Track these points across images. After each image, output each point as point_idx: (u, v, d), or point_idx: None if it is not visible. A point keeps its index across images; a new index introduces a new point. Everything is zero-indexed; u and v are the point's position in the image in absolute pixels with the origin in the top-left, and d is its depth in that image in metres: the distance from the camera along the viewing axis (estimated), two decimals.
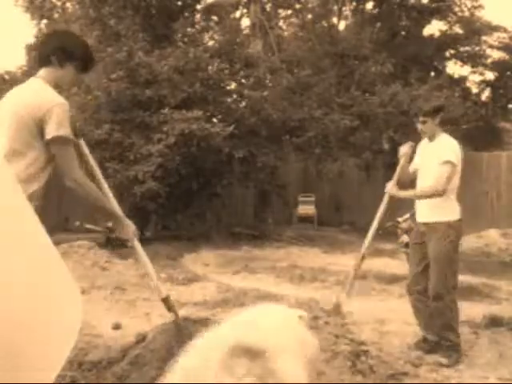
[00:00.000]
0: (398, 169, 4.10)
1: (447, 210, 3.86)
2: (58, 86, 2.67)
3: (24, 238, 1.37)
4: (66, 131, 2.50)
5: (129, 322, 4.52)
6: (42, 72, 2.65)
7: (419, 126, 4.03)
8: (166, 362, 2.72)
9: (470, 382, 3.17)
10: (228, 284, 6.46)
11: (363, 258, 3.88)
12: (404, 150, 4.14)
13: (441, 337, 3.79)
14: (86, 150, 2.91)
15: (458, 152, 3.89)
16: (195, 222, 11.14)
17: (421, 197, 3.92)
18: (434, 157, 3.88)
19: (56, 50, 2.63)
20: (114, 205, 2.86)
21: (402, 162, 4.11)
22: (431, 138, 4.03)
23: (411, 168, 4.15)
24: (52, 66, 2.64)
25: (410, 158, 4.16)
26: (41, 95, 2.54)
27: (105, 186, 2.90)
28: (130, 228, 2.84)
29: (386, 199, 3.97)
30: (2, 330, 1.21)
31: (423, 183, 3.95)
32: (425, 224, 3.92)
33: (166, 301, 2.93)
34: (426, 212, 3.93)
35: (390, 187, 3.97)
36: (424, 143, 4.14)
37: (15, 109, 2.54)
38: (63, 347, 1.43)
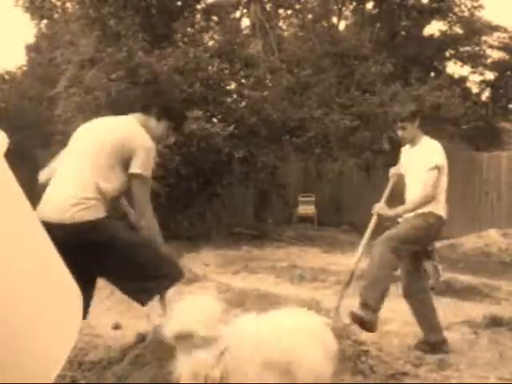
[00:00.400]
0: (387, 190, 4.02)
1: (431, 205, 3.81)
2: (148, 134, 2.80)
3: (24, 238, 1.37)
4: (149, 173, 2.72)
5: (129, 322, 4.52)
6: (138, 116, 2.82)
7: (399, 133, 3.95)
8: (166, 362, 2.72)
9: (470, 382, 3.17)
10: (228, 284, 6.45)
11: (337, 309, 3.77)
12: (394, 170, 4.09)
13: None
14: None
15: (442, 154, 3.85)
16: (195, 222, 11.13)
17: (413, 210, 3.80)
18: (420, 163, 3.82)
19: (158, 104, 2.84)
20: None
21: (391, 182, 4.04)
22: (413, 143, 3.96)
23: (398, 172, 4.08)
24: (149, 115, 2.82)
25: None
26: (136, 133, 2.72)
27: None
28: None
29: (373, 220, 3.88)
30: (2, 330, 1.21)
31: (412, 192, 3.87)
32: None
33: None
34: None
35: (379, 208, 3.87)
36: (406, 149, 4.07)
37: (106, 140, 2.67)
38: (63, 347, 1.43)
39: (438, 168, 3.75)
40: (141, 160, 2.66)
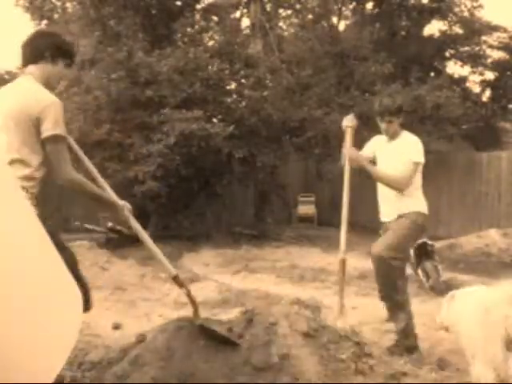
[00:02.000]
0: (349, 135, 3.90)
1: (413, 204, 3.83)
2: (47, 83, 2.66)
3: (23, 238, 1.37)
4: (61, 130, 2.53)
5: (129, 322, 4.52)
6: (33, 69, 2.66)
7: (383, 126, 3.88)
8: (166, 361, 2.72)
9: (470, 382, 3.17)
10: (228, 284, 6.46)
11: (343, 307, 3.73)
12: (348, 121, 3.95)
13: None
14: (74, 144, 2.91)
15: (422, 150, 3.84)
16: (195, 222, 11.14)
17: (382, 179, 3.80)
18: (401, 156, 3.80)
19: (49, 47, 2.67)
20: (110, 192, 2.88)
21: (349, 134, 3.92)
22: (392, 137, 3.93)
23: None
24: (44, 62, 2.66)
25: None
26: (36, 94, 2.55)
27: (98, 176, 2.93)
28: (124, 208, 2.85)
29: (347, 170, 3.85)
30: (2, 330, 1.21)
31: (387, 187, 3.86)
32: (390, 222, 3.88)
33: (176, 279, 2.98)
34: (391, 210, 3.87)
35: (350, 150, 3.80)
36: (381, 141, 4.01)
37: (10, 111, 2.54)
38: (63, 347, 1.43)
39: (419, 164, 3.76)
40: (48, 120, 2.49)
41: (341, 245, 3.72)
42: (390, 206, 3.89)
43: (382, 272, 3.71)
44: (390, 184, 3.79)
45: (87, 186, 2.64)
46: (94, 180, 2.87)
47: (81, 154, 2.92)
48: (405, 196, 3.82)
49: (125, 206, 2.86)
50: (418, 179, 3.87)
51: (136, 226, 2.92)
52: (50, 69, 2.68)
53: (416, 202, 3.84)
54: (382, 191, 3.95)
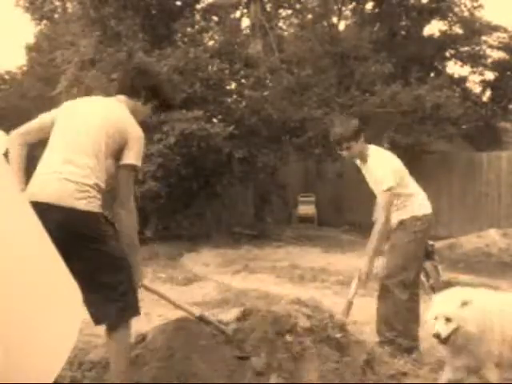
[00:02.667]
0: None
1: (409, 210, 3.81)
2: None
3: (23, 237, 1.37)
4: (139, 164, 2.64)
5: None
6: (123, 99, 2.77)
7: (344, 153, 3.79)
8: (166, 361, 2.72)
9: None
10: (228, 284, 6.46)
11: (350, 304, 3.77)
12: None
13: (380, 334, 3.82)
14: None
15: (391, 165, 3.75)
16: (195, 222, 11.14)
17: (380, 239, 3.71)
18: (375, 184, 3.78)
19: (147, 88, 2.79)
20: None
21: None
22: (363, 160, 3.84)
23: None
24: (136, 99, 2.79)
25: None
26: (129, 121, 2.67)
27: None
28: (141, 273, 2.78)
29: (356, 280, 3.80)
30: (2, 329, 1.21)
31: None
32: (392, 229, 3.87)
33: (202, 319, 2.94)
34: (394, 218, 3.85)
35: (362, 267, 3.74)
36: (360, 166, 3.93)
37: (103, 123, 2.60)
38: (63, 347, 1.43)
39: (388, 189, 3.65)
40: (134, 150, 2.59)
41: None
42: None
43: (386, 303, 3.78)
44: (382, 232, 3.71)
45: (134, 224, 2.67)
46: None
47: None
48: (399, 206, 3.82)
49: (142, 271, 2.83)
50: (405, 188, 3.81)
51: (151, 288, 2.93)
52: (139, 107, 2.81)
53: (411, 207, 3.82)
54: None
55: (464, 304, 2.78)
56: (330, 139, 3.89)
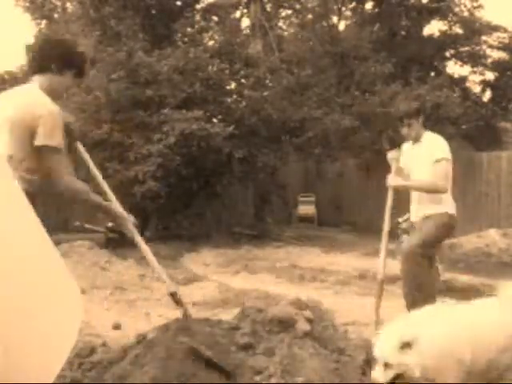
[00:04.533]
0: (393, 166, 4.01)
1: (439, 206, 3.85)
2: (51, 93, 2.67)
3: (24, 237, 1.37)
4: (55, 141, 2.55)
5: (129, 322, 4.52)
6: (39, 78, 2.68)
7: (405, 130, 3.95)
8: (166, 362, 2.72)
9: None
10: (228, 284, 6.46)
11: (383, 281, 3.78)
12: (392, 154, 4.07)
13: None
14: (84, 153, 2.95)
15: (447, 147, 3.89)
16: (195, 222, 11.14)
17: (422, 188, 3.84)
18: (427, 157, 3.83)
19: (56, 58, 2.67)
20: (115, 202, 2.89)
21: (393, 166, 4.01)
22: (416, 140, 3.98)
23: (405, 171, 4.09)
24: (50, 73, 2.67)
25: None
26: (35, 102, 2.58)
27: (105, 185, 2.96)
28: (129, 221, 2.89)
29: (390, 194, 3.88)
30: (2, 329, 1.21)
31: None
32: (417, 222, 3.91)
33: (173, 296, 2.97)
34: (419, 211, 3.90)
35: (392, 179, 3.89)
36: (408, 147, 4.06)
37: (10, 114, 2.57)
38: (63, 347, 1.43)
39: (446, 159, 3.77)
40: (43, 130, 2.52)
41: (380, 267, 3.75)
42: (418, 207, 3.95)
43: (408, 268, 3.76)
44: (430, 190, 3.82)
45: (86, 195, 2.66)
46: (97, 185, 2.90)
47: (90, 162, 2.96)
48: (433, 199, 3.86)
49: (129, 218, 2.89)
50: (450, 176, 3.88)
51: (138, 239, 2.93)
52: (57, 80, 2.69)
53: (442, 204, 3.86)
54: (414, 192, 3.97)
55: (405, 346, 2.26)
56: (394, 114, 4.04)
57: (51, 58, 2.67)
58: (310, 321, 3.00)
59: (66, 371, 2.83)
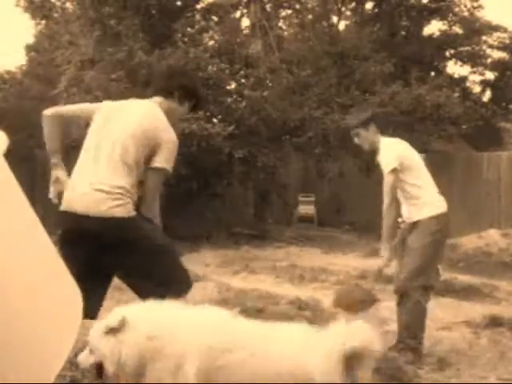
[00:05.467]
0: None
1: (422, 209, 3.74)
2: (167, 118, 2.76)
3: (24, 237, 1.37)
4: (170, 168, 2.68)
5: None
6: (160, 100, 2.80)
7: (355, 140, 3.92)
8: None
9: (470, 382, 3.17)
10: (228, 284, 6.45)
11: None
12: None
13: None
14: None
15: (397, 150, 3.77)
16: (195, 222, 11.13)
17: (387, 221, 3.70)
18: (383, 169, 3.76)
19: (180, 88, 2.83)
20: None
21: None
22: (372, 148, 3.90)
23: None
24: (172, 100, 2.81)
25: None
26: (162, 126, 2.69)
27: None
28: None
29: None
30: (2, 329, 1.21)
31: None
32: (406, 229, 3.82)
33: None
34: (405, 213, 3.81)
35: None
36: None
37: (132, 127, 2.64)
38: (63, 347, 1.43)
39: (391, 171, 3.65)
40: (166, 154, 2.64)
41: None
42: (405, 209, 3.84)
43: (401, 307, 3.67)
44: (388, 215, 3.69)
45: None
46: None
47: None
48: (411, 201, 3.76)
49: None
50: (418, 179, 3.77)
51: None
52: (175, 107, 2.83)
53: (425, 205, 3.74)
54: (399, 194, 3.86)
55: (110, 332, 2.03)
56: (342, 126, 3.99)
57: (176, 87, 2.82)
58: (310, 321, 3.00)
59: (65, 371, 2.82)
